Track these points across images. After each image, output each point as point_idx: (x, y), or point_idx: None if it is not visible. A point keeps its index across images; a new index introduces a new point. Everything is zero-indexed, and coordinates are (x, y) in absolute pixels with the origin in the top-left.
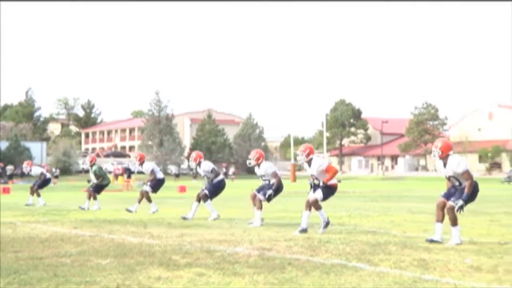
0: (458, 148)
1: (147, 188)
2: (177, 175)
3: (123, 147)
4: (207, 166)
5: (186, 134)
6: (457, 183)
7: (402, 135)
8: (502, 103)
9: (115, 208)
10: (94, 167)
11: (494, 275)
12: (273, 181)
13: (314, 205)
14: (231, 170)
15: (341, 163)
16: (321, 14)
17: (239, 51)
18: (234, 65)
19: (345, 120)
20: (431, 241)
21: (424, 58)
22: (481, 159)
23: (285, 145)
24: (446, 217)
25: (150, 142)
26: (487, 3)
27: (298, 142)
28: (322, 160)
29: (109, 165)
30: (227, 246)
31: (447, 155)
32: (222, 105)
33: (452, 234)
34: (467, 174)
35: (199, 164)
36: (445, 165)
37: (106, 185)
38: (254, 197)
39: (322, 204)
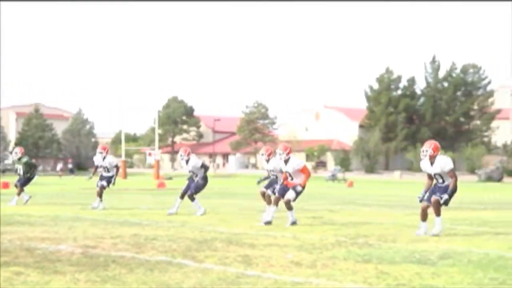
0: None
1: None
2: (3, 171)
3: None
4: (196, 162)
5: (11, 129)
6: (440, 181)
7: (233, 133)
8: (328, 104)
9: None
10: (25, 159)
11: (312, 269)
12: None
13: (287, 205)
14: (59, 166)
15: (173, 160)
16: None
17: (69, 44)
18: (64, 59)
19: (177, 117)
20: (419, 234)
21: (254, 57)
22: (308, 157)
23: (116, 141)
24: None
25: None
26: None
27: (130, 138)
28: (299, 160)
29: None
30: (50, 244)
31: (435, 155)
32: (51, 100)
33: (435, 223)
34: (452, 172)
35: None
36: (432, 164)
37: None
38: (263, 194)
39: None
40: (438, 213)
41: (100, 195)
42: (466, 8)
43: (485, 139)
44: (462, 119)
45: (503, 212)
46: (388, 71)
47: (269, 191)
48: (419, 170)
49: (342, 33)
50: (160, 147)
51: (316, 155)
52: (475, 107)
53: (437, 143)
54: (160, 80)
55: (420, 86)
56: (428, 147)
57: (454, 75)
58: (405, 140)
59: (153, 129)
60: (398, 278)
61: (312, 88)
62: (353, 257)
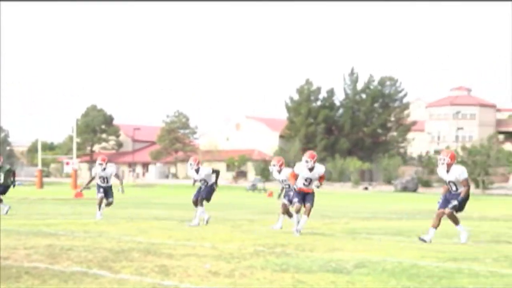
0: (207, 157)
1: None
2: None
3: None
4: (207, 169)
5: None
6: (454, 188)
7: (153, 143)
8: (249, 114)
9: None
10: (7, 166)
11: (230, 279)
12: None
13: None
14: None
15: (91, 169)
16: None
17: None
18: None
19: (96, 126)
20: (422, 240)
21: (175, 67)
22: (228, 167)
23: (32, 150)
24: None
25: None
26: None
27: (47, 147)
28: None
29: None
30: None
31: (452, 164)
32: None
33: (460, 232)
34: (466, 181)
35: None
36: (447, 171)
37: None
38: (285, 206)
39: None
40: (456, 223)
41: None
42: (383, 21)
43: (401, 150)
44: (379, 130)
45: (418, 222)
46: (308, 83)
47: (284, 200)
48: (337, 180)
49: (262, 45)
50: (78, 156)
51: (237, 165)
52: (392, 118)
53: (454, 152)
54: (79, 88)
55: (339, 98)
56: (445, 155)
57: (371, 87)
58: (324, 150)
59: (71, 138)
60: (314, 286)
61: (233, 99)
62: (270, 266)
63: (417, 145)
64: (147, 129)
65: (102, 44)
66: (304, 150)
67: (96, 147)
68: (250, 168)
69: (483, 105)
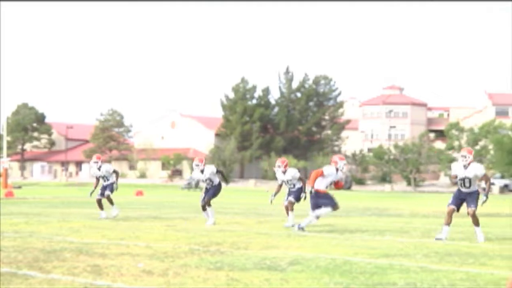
0: (143, 155)
1: None
2: None
3: None
4: (212, 169)
5: None
6: (467, 185)
7: (87, 141)
8: (184, 112)
9: None
10: None
11: (164, 278)
12: (298, 184)
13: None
14: None
15: (22, 168)
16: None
17: None
18: None
19: (27, 124)
20: (439, 239)
21: (109, 64)
22: (164, 166)
23: None
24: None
25: None
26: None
27: None
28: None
29: None
30: None
31: (471, 162)
32: None
33: (478, 233)
34: (486, 176)
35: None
36: (465, 168)
37: None
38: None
39: None
40: (477, 224)
41: (107, 203)
42: (318, 20)
43: (336, 149)
44: (314, 128)
45: (351, 219)
46: (244, 81)
47: (291, 198)
48: (273, 178)
49: (198, 43)
50: (8, 155)
51: (172, 163)
52: (326, 117)
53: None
54: (8, 85)
55: (274, 96)
56: (468, 153)
57: (306, 86)
58: (260, 149)
59: (1, 136)
60: (248, 284)
61: (168, 97)
62: (205, 264)
63: (351, 143)
64: (81, 128)
65: (32, 40)
66: (239, 148)
67: (28, 146)
68: (185, 167)
69: (414, 104)
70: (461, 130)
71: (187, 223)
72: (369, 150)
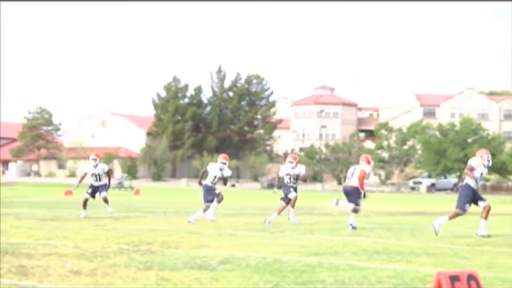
0: (72, 154)
1: None
2: None
3: None
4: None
5: None
6: (480, 184)
7: (14, 140)
8: (115, 111)
9: None
10: None
11: (92, 278)
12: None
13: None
14: None
15: None
16: None
17: None
18: None
19: None
20: (482, 235)
21: (36, 61)
22: None
23: None
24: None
25: None
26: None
27: None
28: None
29: None
30: None
31: None
32: None
33: (482, 225)
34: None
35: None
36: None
37: None
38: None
39: None
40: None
41: (105, 201)
42: (250, 20)
43: (268, 148)
44: (246, 128)
45: (283, 218)
46: (176, 80)
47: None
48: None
49: (129, 40)
50: None
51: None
52: (259, 116)
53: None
54: None
55: (206, 95)
56: (489, 155)
57: (239, 85)
58: (192, 148)
59: None
60: (178, 283)
61: (99, 95)
62: (134, 264)
63: (283, 142)
64: (7, 126)
65: None
66: (171, 147)
67: None
68: (116, 166)
69: (345, 104)
70: (390, 130)
71: (117, 222)
72: (301, 149)
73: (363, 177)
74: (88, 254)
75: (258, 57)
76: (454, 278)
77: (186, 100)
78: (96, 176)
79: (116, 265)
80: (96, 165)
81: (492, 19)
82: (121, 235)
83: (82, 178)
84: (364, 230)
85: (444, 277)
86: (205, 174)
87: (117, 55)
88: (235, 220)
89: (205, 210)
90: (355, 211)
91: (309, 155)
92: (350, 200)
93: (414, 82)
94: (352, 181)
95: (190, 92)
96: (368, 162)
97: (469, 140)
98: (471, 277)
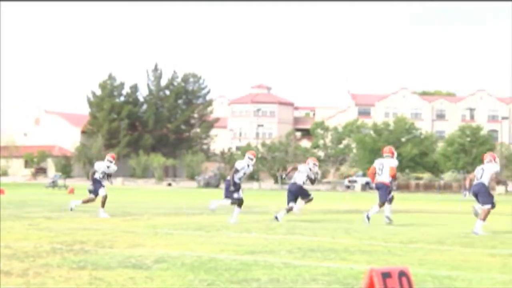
0: (5, 153)
1: None
2: None
3: None
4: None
5: None
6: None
7: None
8: (49, 109)
9: None
10: None
11: (23, 278)
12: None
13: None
14: None
15: None
16: None
17: None
18: None
19: None
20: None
21: None
22: (27, 164)
23: None
24: None
25: None
26: None
27: None
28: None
29: None
30: None
31: None
32: None
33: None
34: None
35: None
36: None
37: None
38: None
39: None
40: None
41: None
42: (186, 17)
43: (205, 147)
44: (183, 126)
45: (218, 217)
46: (111, 78)
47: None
48: (141, 176)
49: (64, 37)
50: None
51: (36, 161)
52: (195, 115)
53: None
54: None
55: (142, 94)
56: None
57: (175, 83)
58: (128, 146)
59: None
60: (112, 283)
61: (32, 92)
62: (67, 264)
63: (219, 141)
64: None
65: None
66: (107, 146)
67: None
68: (50, 165)
69: (281, 103)
70: (326, 129)
71: (51, 222)
72: (238, 148)
73: (394, 174)
74: (20, 254)
75: (195, 55)
76: (386, 275)
77: (122, 98)
78: (105, 175)
79: (49, 265)
80: (109, 166)
81: (425, 20)
82: (54, 235)
83: (93, 175)
84: (299, 228)
85: (376, 274)
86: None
87: (51, 52)
88: (171, 219)
89: None
90: (383, 204)
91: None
92: (380, 195)
93: (350, 82)
94: (382, 177)
95: (126, 90)
96: (392, 154)
97: (403, 139)
98: (403, 274)
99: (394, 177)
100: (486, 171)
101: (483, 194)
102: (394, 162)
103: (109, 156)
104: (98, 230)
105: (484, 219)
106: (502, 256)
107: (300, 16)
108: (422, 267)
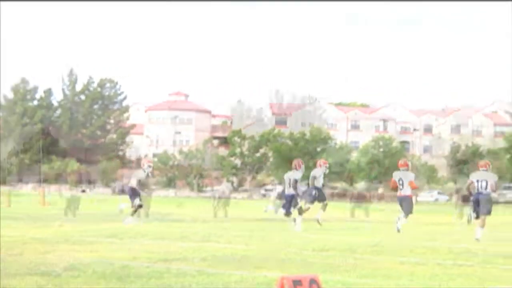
0: None
1: None
2: None
3: None
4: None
5: None
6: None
7: None
8: None
9: None
10: None
11: None
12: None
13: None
14: None
15: None
16: None
17: None
18: None
19: None
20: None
21: None
22: None
23: None
24: None
25: None
26: None
27: None
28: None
29: None
30: None
31: None
32: None
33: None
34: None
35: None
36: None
37: None
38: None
39: None
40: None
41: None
42: (103, 22)
43: (120, 153)
44: (98, 132)
45: (131, 224)
46: (24, 81)
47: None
48: (54, 182)
49: None
50: None
51: None
52: (111, 121)
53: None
54: None
55: (57, 98)
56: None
57: (91, 88)
58: (41, 151)
59: None
60: None
61: None
62: None
63: (136, 148)
64: None
65: None
66: (18, 151)
67: None
68: None
69: (199, 111)
70: (243, 137)
71: None
72: (154, 155)
73: (414, 186)
74: None
75: (112, 61)
76: (296, 282)
77: (35, 103)
78: (141, 183)
79: None
80: (147, 173)
81: (344, 28)
82: None
83: (140, 187)
84: (214, 235)
85: (287, 281)
86: None
87: None
88: (83, 226)
89: None
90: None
91: (162, 161)
92: (404, 207)
93: (267, 91)
94: (404, 191)
95: (40, 94)
96: (407, 167)
97: (318, 149)
98: (313, 281)
99: (415, 189)
100: (489, 181)
101: (485, 204)
102: (411, 176)
103: (146, 161)
104: (9, 237)
105: (483, 226)
106: (411, 264)
107: (217, 23)
108: (333, 274)
